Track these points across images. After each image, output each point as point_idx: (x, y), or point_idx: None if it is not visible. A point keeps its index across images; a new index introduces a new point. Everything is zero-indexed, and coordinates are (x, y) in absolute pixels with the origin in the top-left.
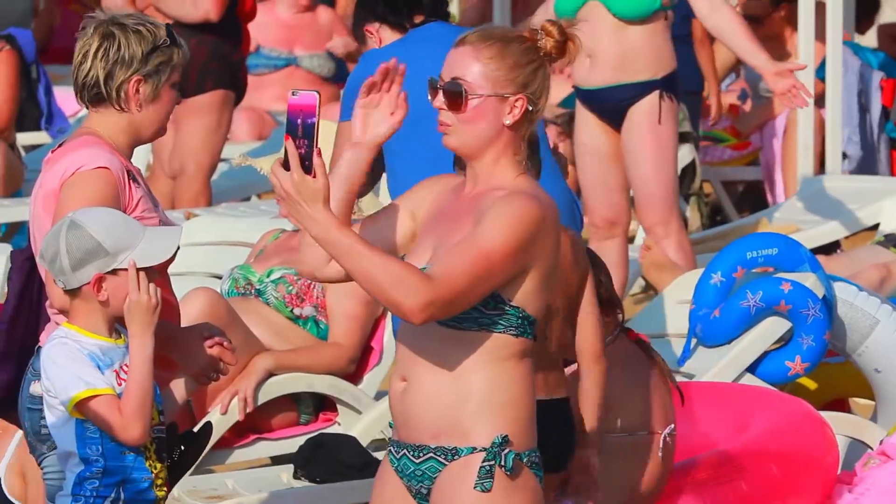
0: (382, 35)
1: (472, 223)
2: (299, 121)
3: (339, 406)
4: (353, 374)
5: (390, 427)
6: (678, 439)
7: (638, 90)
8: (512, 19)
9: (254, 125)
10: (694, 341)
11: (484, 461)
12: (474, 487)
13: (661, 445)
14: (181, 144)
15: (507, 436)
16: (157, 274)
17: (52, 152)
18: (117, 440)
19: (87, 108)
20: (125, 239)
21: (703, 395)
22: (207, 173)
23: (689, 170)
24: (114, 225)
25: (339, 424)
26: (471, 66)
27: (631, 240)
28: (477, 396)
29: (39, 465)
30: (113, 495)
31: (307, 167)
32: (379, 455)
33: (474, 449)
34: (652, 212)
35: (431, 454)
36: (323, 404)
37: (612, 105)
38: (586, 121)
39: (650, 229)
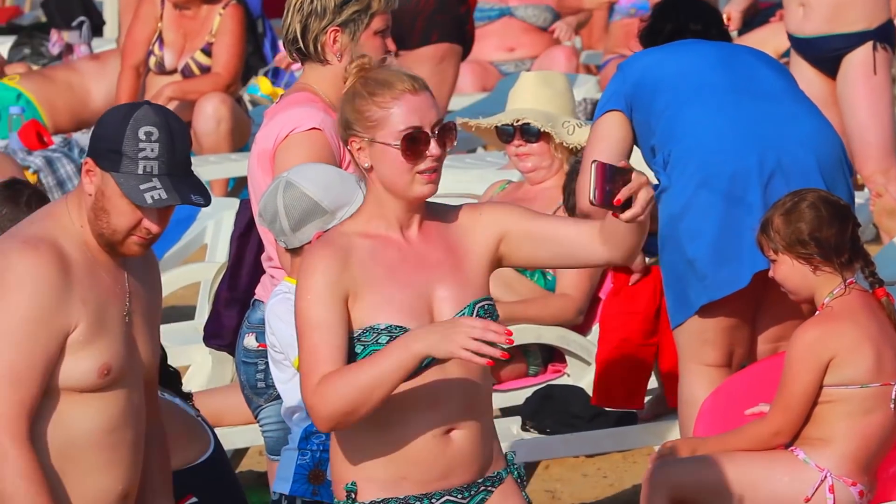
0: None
1: (452, 255)
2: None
3: (567, 357)
4: (582, 324)
5: None
6: None
7: (852, 40)
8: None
9: (477, 77)
10: None
11: (517, 477)
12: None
13: (893, 397)
14: None
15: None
16: None
17: (271, 108)
18: None
19: (301, 63)
20: (342, 195)
21: None
22: None
23: None
24: (329, 182)
25: (568, 376)
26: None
27: (861, 187)
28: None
29: (256, 417)
30: None
31: None
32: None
33: (507, 468)
34: (870, 160)
35: (482, 486)
36: (552, 356)
37: (825, 54)
38: (801, 68)
39: (869, 178)
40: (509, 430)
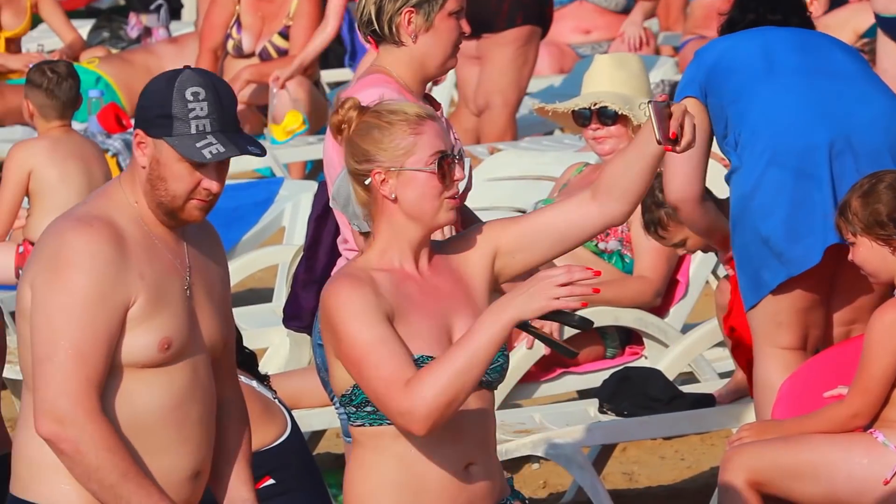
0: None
1: (460, 285)
2: None
3: (645, 339)
4: (660, 307)
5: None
6: None
7: None
8: None
9: (555, 59)
10: None
11: (522, 500)
12: None
13: None
14: (487, 79)
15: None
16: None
17: (346, 90)
18: None
19: (374, 45)
20: None
21: None
22: (513, 108)
23: None
24: None
25: (646, 358)
26: None
27: None
28: None
29: (332, 399)
30: None
31: None
32: (686, 388)
33: (512, 493)
34: None
35: None
36: (629, 338)
37: None
38: (887, 47)
39: None
40: (586, 413)
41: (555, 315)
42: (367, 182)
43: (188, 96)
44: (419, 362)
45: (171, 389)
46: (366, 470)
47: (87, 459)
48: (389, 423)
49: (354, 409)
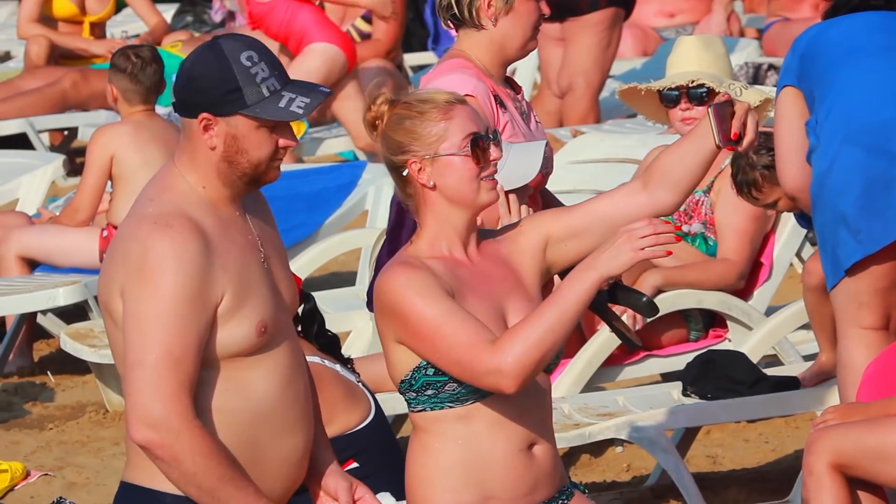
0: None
1: (510, 271)
2: None
3: (728, 322)
4: (743, 289)
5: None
6: None
7: None
8: None
9: (638, 42)
10: None
11: (583, 492)
12: None
13: None
14: (571, 62)
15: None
16: (531, 189)
17: (426, 74)
18: None
19: (455, 30)
20: None
21: None
22: (596, 91)
23: None
24: None
25: (730, 341)
26: None
27: None
28: None
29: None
30: None
31: None
32: (770, 371)
33: (572, 483)
34: None
35: (561, 499)
36: (713, 320)
37: None
38: None
39: None
40: (670, 396)
41: (624, 297)
42: (404, 173)
43: (245, 62)
44: None
45: (277, 370)
46: (429, 453)
47: (183, 465)
48: (451, 406)
49: (415, 395)
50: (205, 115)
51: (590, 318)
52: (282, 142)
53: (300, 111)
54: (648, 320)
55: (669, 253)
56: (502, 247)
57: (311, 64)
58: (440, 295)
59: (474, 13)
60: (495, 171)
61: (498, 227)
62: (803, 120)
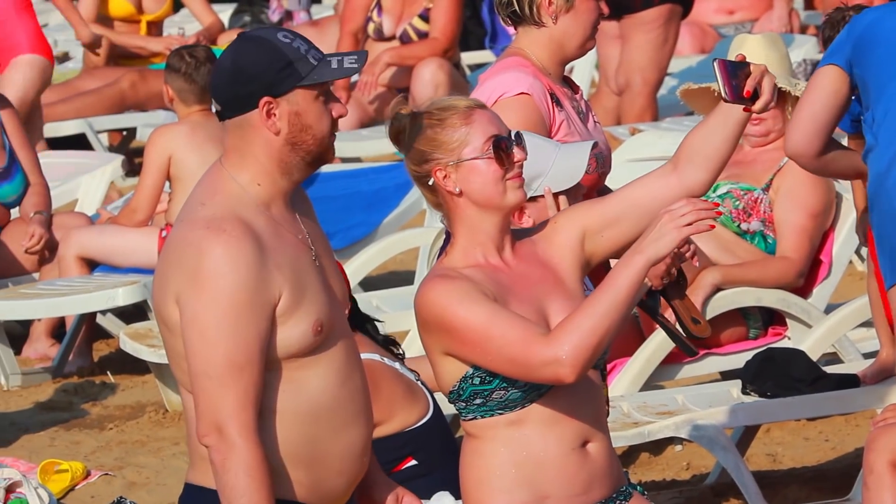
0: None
1: (549, 270)
2: None
3: (788, 320)
4: (803, 287)
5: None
6: None
7: None
8: None
9: (696, 39)
10: None
11: (642, 493)
12: None
13: None
14: (628, 60)
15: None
16: (585, 189)
17: (483, 73)
18: None
19: (514, 28)
20: (535, 166)
21: None
22: (654, 89)
23: None
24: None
25: (789, 339)
26: None
27: None
28: None
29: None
30: None
31: None
32: (829, 369)
33: (630, 483)
34: None
35: (618, 500)
36: (772, 318)
37: None
38: None
39: None
40: (729, 394)
41: (673, 294)
42: (430, 182)
43: (284, 40)
44: None
45: (334, 367)
46: (481, 456)
47: (226, 476)
48: (501, 413)
49: (464, 405)
50: (265, 98)
51: (648, 317)
52: (336, 110)
53: (354, 65)
54: (708, 318)
55: (712, 227)
56: (538, 247)
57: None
58: (481, 299)
59: (535, 10)
60: (520, 173)
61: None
62: (836, 97)
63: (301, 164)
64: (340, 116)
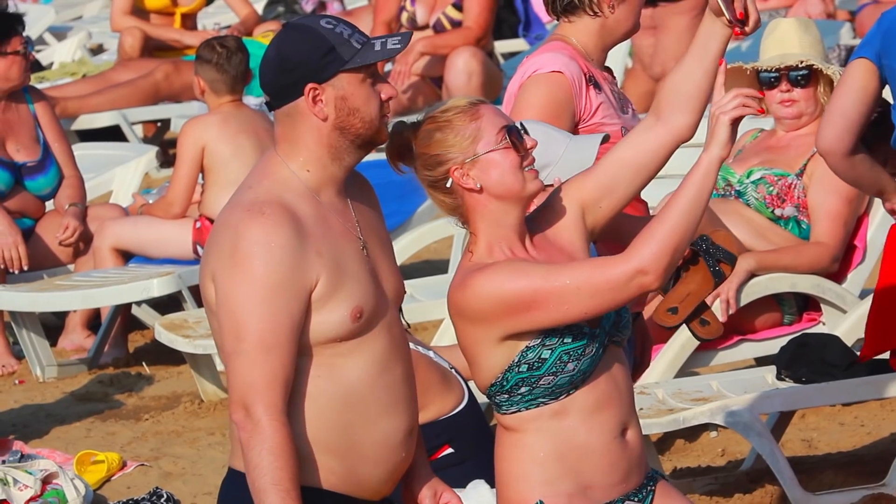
0: None
1: (566, 254)
2: None
3: (822, 305)
4: (837, 272)
5: None
6: None
7: None
8: None
9: None
10: None
11: (662, 477)
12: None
13: None
14: (663, 49)
15: None
16: None
17: (523, 59)
18: None
19: (558, 19)
20: (546, 154)
21: None
22: None
23: None
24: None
25: (824, 324)
26: None
27: None
28: None
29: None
30: None
31: None
32: None
33: (653, 469)
34: None
35: (648, 486)
36: (806, 304)
37: None
38: None
39: None
40: (764, 380)
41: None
42: (448, 185)
43: (327, 26)
44: (567, 329)
45: (373, 356)
46: (521, 448)
47: (251, 454)
48: (545, 402)
49: (506, 396)
50: (310, 85)
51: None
52: (384, 91)
53: (398, 45)
54: (743, 304)
55: (761, 111)
56: (549, 234)
57: None
58: (528, 264)
59: (596, 1)
60: (534, 160)
61: None
62: (865, 93)
63: (352, 148)
64: (390, 98)
